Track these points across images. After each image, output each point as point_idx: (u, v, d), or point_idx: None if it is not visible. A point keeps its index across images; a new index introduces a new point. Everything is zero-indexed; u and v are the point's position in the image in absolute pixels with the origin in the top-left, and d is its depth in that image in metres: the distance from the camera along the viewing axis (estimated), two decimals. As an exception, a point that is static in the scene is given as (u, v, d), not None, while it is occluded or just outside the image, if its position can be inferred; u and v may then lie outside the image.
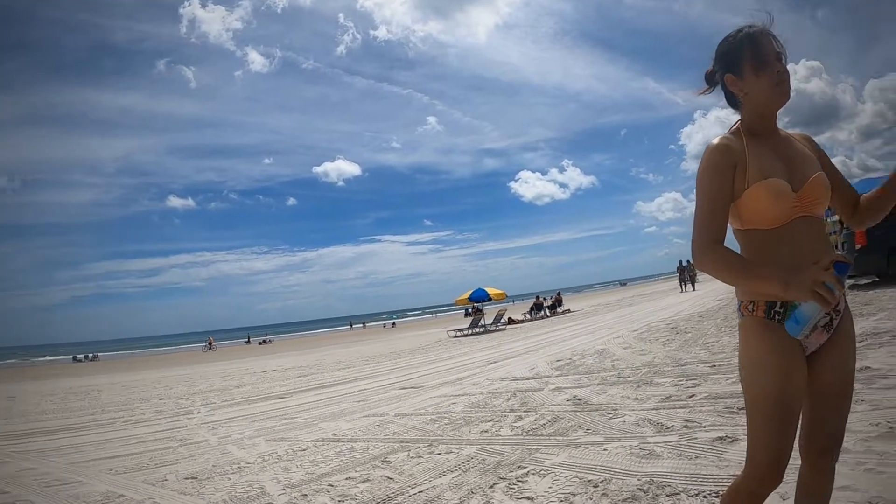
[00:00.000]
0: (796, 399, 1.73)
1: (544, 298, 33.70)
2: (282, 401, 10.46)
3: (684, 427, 4.58)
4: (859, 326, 7.27)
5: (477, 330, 25.58)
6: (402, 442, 5.68)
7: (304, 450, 5.99)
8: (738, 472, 1.86)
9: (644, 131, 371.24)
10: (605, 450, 4.37)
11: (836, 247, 13.99)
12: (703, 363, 7.22)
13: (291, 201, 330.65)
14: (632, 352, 9.63)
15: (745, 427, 1.82)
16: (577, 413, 5.70)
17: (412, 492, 4.07)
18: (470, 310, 36.38)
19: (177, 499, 4.78)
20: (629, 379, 7.07)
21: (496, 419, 6.04)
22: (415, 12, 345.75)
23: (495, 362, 11.81)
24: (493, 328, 26.08)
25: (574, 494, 3.56)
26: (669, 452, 4.03)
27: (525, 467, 4.24)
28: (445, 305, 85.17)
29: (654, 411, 5.27)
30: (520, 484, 3.90)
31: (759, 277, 1.62)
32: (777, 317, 1.73)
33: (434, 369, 12.29)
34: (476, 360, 12.78)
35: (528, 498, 3.64)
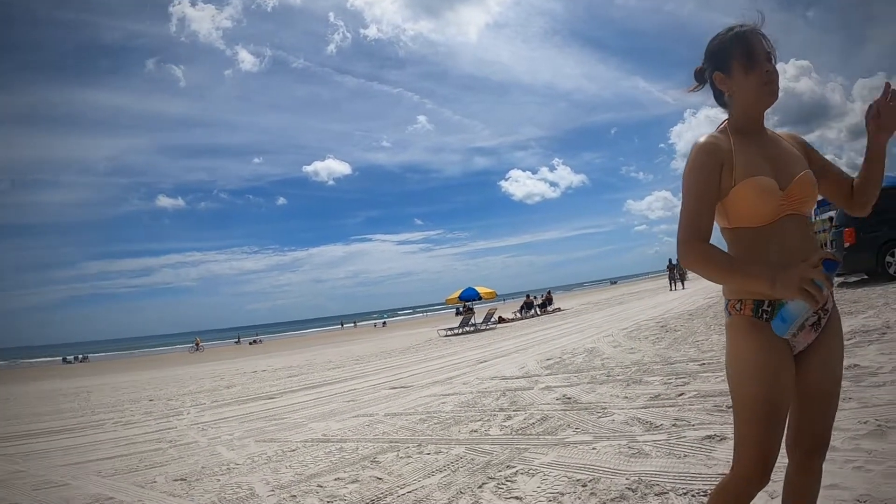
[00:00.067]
0: (784, 399, 1.72)
1: (535, 297, 33.68)
2: (272, 401, 10.42)
3: (673, 425, 4.59)
4: (848, 324, 7.31)
5: (467, 329, 25.55)
6: (391, 442, 5.66)
7: (293, 450, 5.96)
8: (727, 471, 1.85)
9: (634, 130, 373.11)
10: (593, 449, 4.36)
11: (825, 245, 14.07)
12: (693, 361, 7.24)
13: (281, 201, 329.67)
14: (621, 350, 9.65)
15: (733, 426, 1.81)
16: (567, 412, 5.70)
17: (401, 492, 4.06)
18: (460, 309, 36.41)
19: (166, 501, 4.74)
20: (619, 377, 7.08)
21: (485, 418, 6.03)
22: (405, 11, 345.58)
23: (485, 361, 11.81)
24: (483, 327, 26.07)
25: (562, 494, 3.56)
26: (658, 451, 4.03)
27: (514, 467, 4.24)
28: (436, 304, 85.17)
29: (643, 410, 5.27)
30: (508, 484, 3.89)
31: (745, 275, 1.62)
32: (765, 316, 1.72)
33: (424, 369, 12.27)
34: (466, 360, 12.78)
35: (516, 498, 3.63)
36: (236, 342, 56.38)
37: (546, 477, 3.91)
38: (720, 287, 1.84)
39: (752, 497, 1.78)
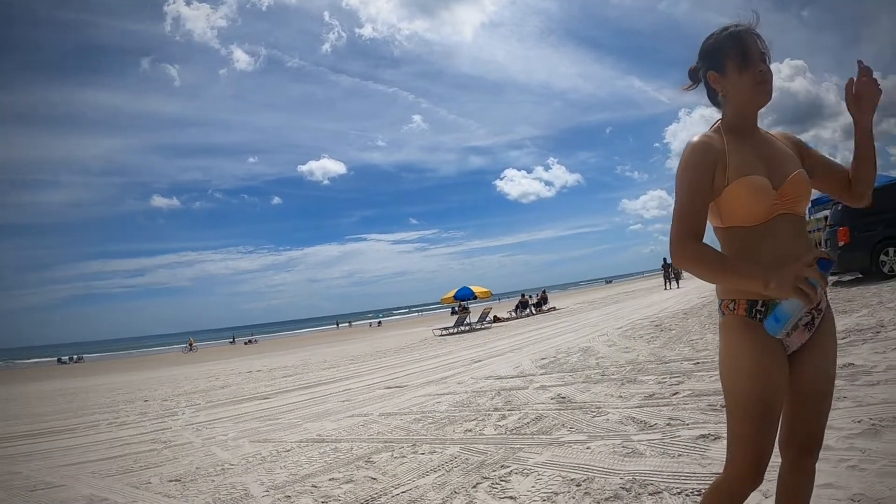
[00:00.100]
0: (777, 399, 1.72)
1: (530, 296, 33.70)
2: (266, 401, 10.39)
3: (667, 425, 4.59)
4: (843, 323, 7.33)
5: (462, 328, 25.53)
6: (385, 442, 5.65)
7: (288, 451, 5.95)
8: (720, 471, 1.85)
9: (629, 129, 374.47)
10: (588, 448, 4.36)
11: (820, 244, 14.09)
12: (688, 360, 7.25)
13: (276, 200, 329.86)
14: (616, 349, 9.65)
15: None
16: (561, 411, 5.70)
17: (395, 492, 4.05)
18: (456, 308, 36.41)
19: (160, 502, 4.73)
20: (613, 377, 7.08)
21: (480, 418, 6.03)
22: (400, 10, 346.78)
23: (480, 361, 11.80)
24: (478, 326, 26.05)
25: (557, 493, 3.55)
26: (652, 450, 4.03)
27: (508, 466, 4.23)
28: (431, 304, 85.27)
29: (637, 409, 5.27)
30: (503, 483, 3.89)
31: (739, 274, 1.60)
32: (758, 315, 1.72)
33: (419, 368, 12.26)
34: (461, 359, 12.77)
35: (510, 497, 3.62)
36: (231, 342, 56.21)
37: (540, 476, 3.91)
38: (714, 286, 1.84)
39: (746, 497, 1.78)
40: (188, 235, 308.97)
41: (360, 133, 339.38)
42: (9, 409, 14.09)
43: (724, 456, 1.82)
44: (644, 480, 3.48)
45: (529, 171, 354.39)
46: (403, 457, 5.00)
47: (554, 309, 30.73)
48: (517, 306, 31.71)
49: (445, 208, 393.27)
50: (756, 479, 1.73)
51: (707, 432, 4.18)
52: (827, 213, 15.35)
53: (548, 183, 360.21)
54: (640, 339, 10.54)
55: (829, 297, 1.85)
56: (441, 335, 23.88)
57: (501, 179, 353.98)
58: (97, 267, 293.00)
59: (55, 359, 52.21)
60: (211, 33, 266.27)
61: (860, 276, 13.30)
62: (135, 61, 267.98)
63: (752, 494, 1.81)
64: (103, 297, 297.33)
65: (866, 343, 6.11)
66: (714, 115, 1.94)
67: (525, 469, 4.11)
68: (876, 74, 1.77)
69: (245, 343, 51.59)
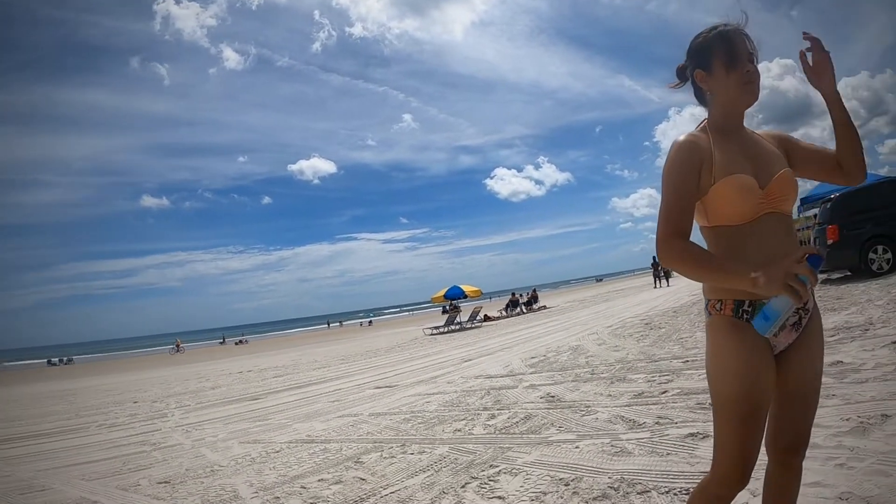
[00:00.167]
0: (764, 399, 1.71)
1: (520, 295, 33.73)
2: (256, 402, 10.36)
3: (656, 423, 4.60)
4: (831, 321, 7.37)
5: (453, 327, 25.52)
6: (375, 442, 5.64)
7: (277, 451, 5.93)
8: (708, 470, 1.84)
9: (619, 128, 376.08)
10: (576, 447, 4.36)
11: (809, 242, 14.15)
12: (677, 359, 7.26)
13: (266, 200, 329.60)
14: (606, 348, 9.67)
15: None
16: (550, 410, 5.70)
17: (384, 493, 4.04)
18: (446, 307, 36.42)
19: (147, 504, 4.71)
20: (602, 375, 7.09)
21: (469, 418, 6.02)
22: (391, 9, 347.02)
23: (470, 360, 11.80)
24: (468, 325, 26.06)
25: (545, 493, 3.55)
26: (641, 449, 4.03)
27: (497, 466, 4.23)
28: (422, 303, 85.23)
29: (626, 408, 5.28)
30: (491, 483, 3.88)
31: (726, 272, 1.58)
32: (745, 315, 1.71)
33: (409, 368, 12.25)
34: (451, 358, 12.76)
35: (499, 497, 3.62)
36: (221, 342, 56.09)
37: (529, 476, 3.90)
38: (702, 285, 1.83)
39: (733, 497, 1.78)
40: (178, 235, 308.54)
41: (351, 132, 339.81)
42: (-3, 412, 13.98)
43: (712, 455, 1.82)
44: (632, 479, 3.48)
45: (520, 170, 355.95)
46: (393, 457, 4.98)
47: (544, 307, 30.74)
48: (507, 305, 31.77)
49: (436, 207, 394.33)
50: (742, 480, 1.72)
51: (696, 431, 4.19)
52: (815, 211, 15.41)
53: (538, 182, 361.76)
54: (630, 337, 10.55)
55: (817, 296, 1.85)
56: (431, 334, 23.87)
57: (492, 178, 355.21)
58: (86, 268, 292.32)
59: (45, 360, 51.89)
60: (200, 32, 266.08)
61: (849, 273, 13.38)
62: (123, 60, 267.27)
63: (740, 493, 1.80)
64: (92, 297, 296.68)
65: (855, 340, 6.13)
66: (704, 114, 1.93)
67: (514, 469, 4.11)
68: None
69: (236, 343, 51.43)
